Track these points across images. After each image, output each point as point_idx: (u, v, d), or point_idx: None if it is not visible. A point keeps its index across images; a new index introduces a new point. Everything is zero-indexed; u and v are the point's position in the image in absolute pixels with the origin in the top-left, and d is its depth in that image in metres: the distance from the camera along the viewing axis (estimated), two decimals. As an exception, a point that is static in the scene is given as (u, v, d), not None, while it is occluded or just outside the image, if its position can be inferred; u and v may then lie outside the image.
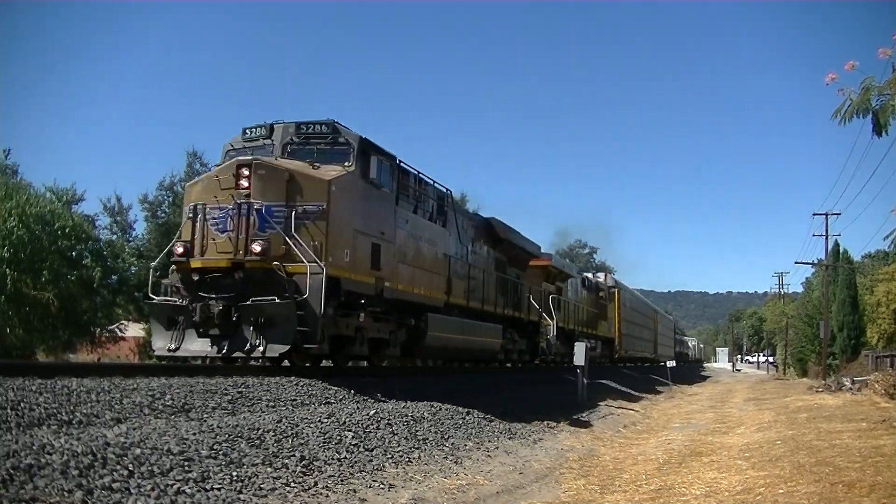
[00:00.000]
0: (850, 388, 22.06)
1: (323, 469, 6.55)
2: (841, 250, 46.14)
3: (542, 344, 22.50)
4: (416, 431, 8.96)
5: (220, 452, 5.98)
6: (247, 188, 10.35)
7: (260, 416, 7.67)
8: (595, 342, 30.02)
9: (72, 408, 6.33)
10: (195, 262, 10.46)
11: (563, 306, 25.18)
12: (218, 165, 11.69)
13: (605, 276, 38.56)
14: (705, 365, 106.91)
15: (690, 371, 62.98)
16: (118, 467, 5.09)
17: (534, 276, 22.75)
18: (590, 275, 36.00)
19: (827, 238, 40.82)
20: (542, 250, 26.52)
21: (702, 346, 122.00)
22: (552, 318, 22.52)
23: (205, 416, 7.34)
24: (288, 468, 6.21)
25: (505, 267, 19.80)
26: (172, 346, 10.34)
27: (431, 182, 14.91)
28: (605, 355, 34.40)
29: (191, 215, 10.69)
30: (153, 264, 11.74)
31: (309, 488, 6.00)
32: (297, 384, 9.77)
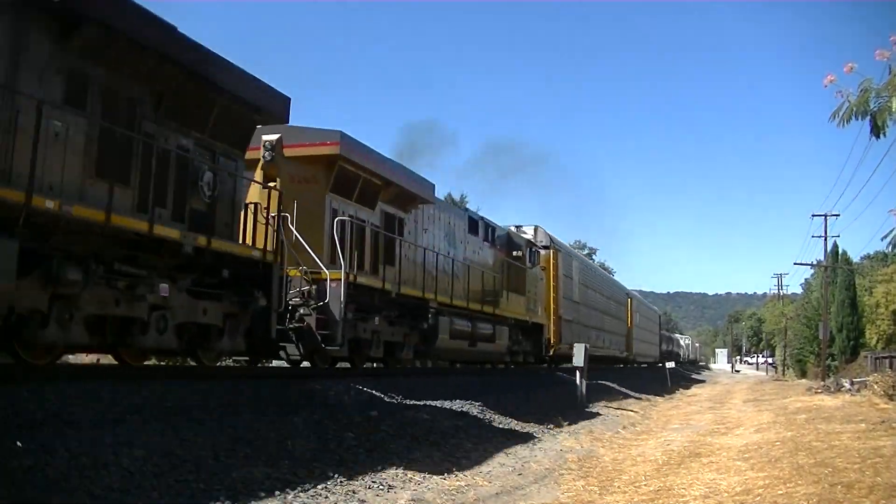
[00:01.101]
0: (850, 389, 22.07)
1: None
2: (840, 251, 46.24)
3: (309, 319, 11.22)
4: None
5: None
6: None
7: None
8: (493, 327, 18.65)
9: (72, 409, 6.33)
10: None
11: (394, 251, 14.11)
12: None
13: (536, 229, 24.54)
14: (710, 367, 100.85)
15: (680, 375, 45.72)
16: (119, 468, 5.09)
17: (295, 173, 11.99)
18: (512, 228, 23.26)
19: (826, 239, 40.90)
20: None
21: (697, 344, 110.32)
22: (339, 264, 11.57)
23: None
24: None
25: (163, 124, 8.67)
26: None
27: None
28: (526, 351, 22.26)
29: None
30: None
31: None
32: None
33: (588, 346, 25.62)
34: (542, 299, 23.67)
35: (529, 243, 22.71)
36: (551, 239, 25.38)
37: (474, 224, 19.08)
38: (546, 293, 24.33)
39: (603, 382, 24.40)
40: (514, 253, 21.50)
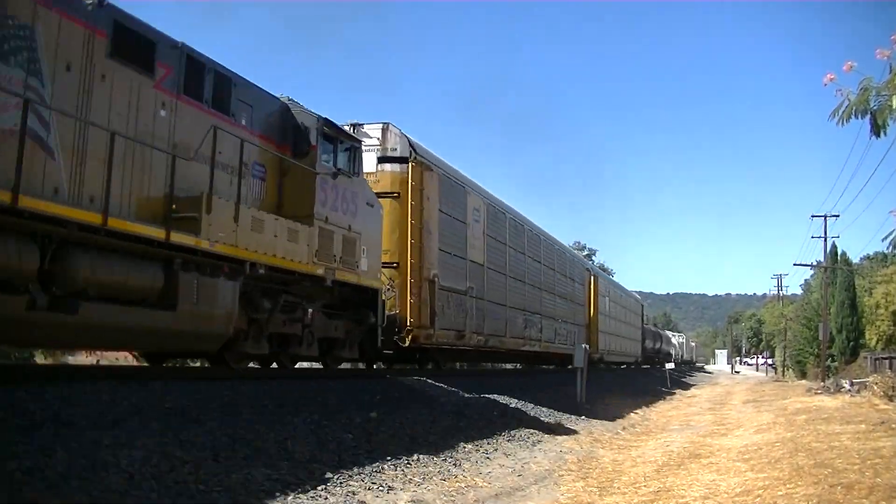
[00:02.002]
0: (849, 390, 22.12)
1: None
2: (839, 252, 46.35)
3: None
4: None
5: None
6: None
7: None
8: (170, 276, 8.58)
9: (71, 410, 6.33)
10: None
11: None
12: None
13: (385, 129, 14.90)
14: (707, 368, 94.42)
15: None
16: (118, 470, 5.09)
17: None
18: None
19: (826, 240, 40.95)
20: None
21: (693, 344, 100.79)
22: None
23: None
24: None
25: None
26: None
27: None
28: (330, 337, 12.25)
29: None
30: None
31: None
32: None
33: (506, 336, 18.30)
34: (376, 244, 12.89)
35: (331, 130, 11.83)
36: (412, 148, 14.63)
37: (144, 51, 8.59)
38: (398, 236, 14.12)
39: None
40: (300, 142, 11.40)
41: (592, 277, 31.42)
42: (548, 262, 24.44)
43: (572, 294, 27.66)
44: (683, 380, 46.48)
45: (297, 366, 12.75)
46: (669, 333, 75.47)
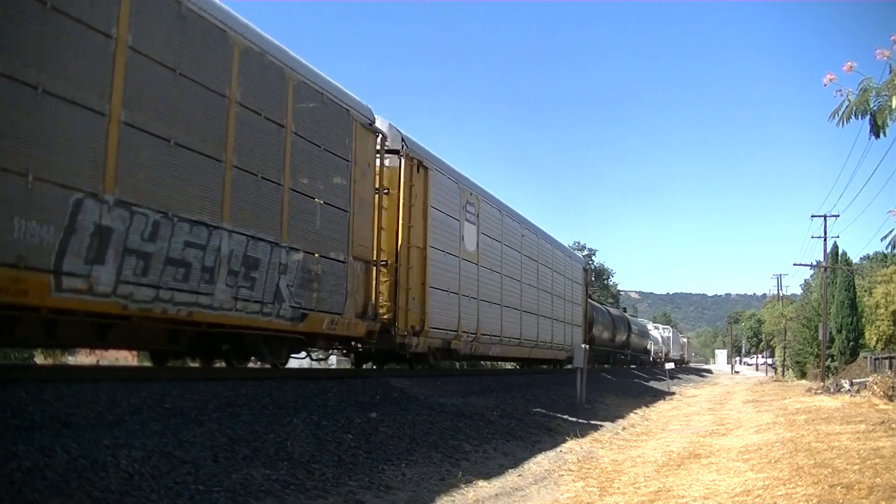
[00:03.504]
0: (849, 390, 22.13)
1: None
2: (839, 252, 46.35)
3: None
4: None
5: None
6: None
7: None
8: None
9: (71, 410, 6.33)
10: None
11: None
12: None
13: None
14: (711, 368, 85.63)
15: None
16: (117, 470, 5.09)
17: None
18: None
19: (826, 240, 40.96)
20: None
21: (685, 339, 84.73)
22: None
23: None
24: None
25: None
26: None
27: None
28: None
29: None
30: None
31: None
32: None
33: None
34: None
35: None
36: None
37: None
38: None
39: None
40: None
41: (410, 161, 14.01)
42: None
43: (316, 168, 11.13)
44: (683, 380, 46.47)
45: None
46: (650, 324, 58.42)
